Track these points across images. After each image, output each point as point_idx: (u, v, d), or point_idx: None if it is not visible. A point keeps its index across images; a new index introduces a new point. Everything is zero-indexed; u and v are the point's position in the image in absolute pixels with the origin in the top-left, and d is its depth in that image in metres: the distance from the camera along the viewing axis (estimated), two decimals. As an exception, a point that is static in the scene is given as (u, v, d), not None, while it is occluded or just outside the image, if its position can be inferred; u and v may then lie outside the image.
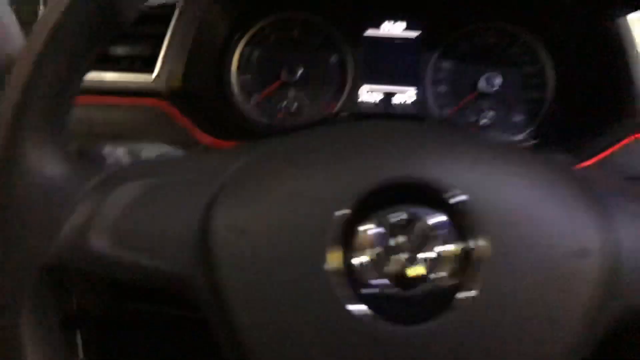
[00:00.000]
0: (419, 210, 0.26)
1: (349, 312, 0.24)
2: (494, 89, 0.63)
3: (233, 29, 0.63)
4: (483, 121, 0.63)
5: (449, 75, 0.64)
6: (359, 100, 0.64)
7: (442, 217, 0.26)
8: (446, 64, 0.64)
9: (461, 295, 0.25)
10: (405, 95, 0.64)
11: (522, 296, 0.26)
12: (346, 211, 0.25)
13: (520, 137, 0.63)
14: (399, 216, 0.26)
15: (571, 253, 0.27)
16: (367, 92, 0.64)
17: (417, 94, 0.64)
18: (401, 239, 0.26)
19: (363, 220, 0.26)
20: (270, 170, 0.28)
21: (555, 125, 0.62)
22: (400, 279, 0.25)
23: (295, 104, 0.64)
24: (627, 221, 0.29)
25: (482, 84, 0.63)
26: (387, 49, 0.64)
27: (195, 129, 0.53)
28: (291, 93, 0.64)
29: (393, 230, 0.26)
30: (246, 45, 0.64)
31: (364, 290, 0.25)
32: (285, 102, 0.64)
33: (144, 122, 0.53)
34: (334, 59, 0.65)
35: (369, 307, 0.24)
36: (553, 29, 0.61)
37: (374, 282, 0.25)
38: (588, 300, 0.27)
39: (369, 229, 0.25)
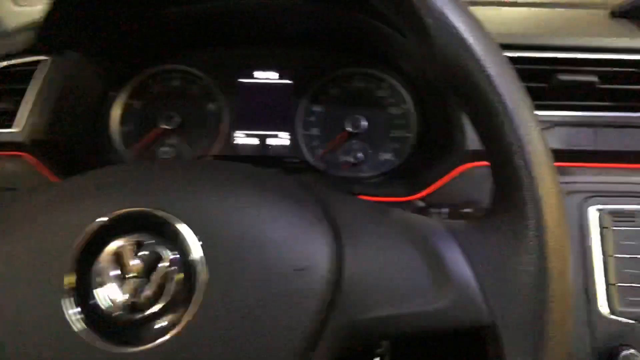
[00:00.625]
0: (148, 239, 0.29)
1: (76, 334, 0.27)
2: (362, 129, 0.66)
3: (111, 81, 0.66)
4: (353, 160, 0.66)
5: (320, 118, 0.67)
6: (235, 143, 0.67)
7: (167, 246, 0.29)
8: (317, 108, 0.68)
9: (184, 317, 0.27)
10: (279, 138, 0.67)
11: (244, 314, 0.28)
12: (81, 240, 0.28)
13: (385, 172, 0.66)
14: (127, 245, 0.29)
15: (291, 270, 0.30)
16: (242, 136, 0.67)
17: (290, 137, 0.67)
18: (132, 265, 0.29)
19: (97, 248, 0.29)
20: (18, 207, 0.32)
21: (417, 161, 0.65)
22: (127, 304, 0.28)
23: (174, 150, 0.67)
24: (351, 242, 0.32)
25: (350, 125, 0.66)
26: (261, 96, 0.68)
27: (55, 179, 0.56)
28: (171, 140, 0.68)
29: (123, 258, 0.29)
30: (129, 97, 0.68)
31: (93, 314, 0.28)
32: (165, 149, 0.67)
33: (11, 171, 0.57)
34: (211, 106, 0.68)
35: (96, 330, 0.27)
36: (411, 71, 0.65)
37: (103, 306, 0.28)
38: (312, 314, 0.29)
39: (103, 257, 0.29)
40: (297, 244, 0.31)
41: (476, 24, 0.31)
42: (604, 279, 0.49)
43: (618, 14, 0.63)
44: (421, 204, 0.55)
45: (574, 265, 0.50)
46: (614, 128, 0.53)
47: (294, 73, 0.68)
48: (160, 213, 0.30)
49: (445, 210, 0.52)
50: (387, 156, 0.67)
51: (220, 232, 0.30)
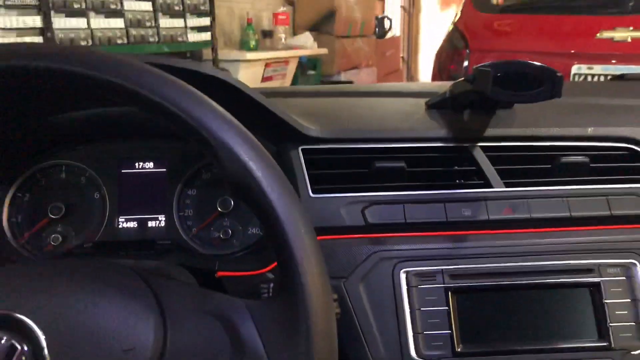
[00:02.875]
0: (6, 335, 0.38)
1: None
2: (230, 208, 0.76)
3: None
4: (222, 236, 0.76)
5: (194, 200, 0.77)
6: (118, 227, 0.76)
7: (20, 339, 0.38)
8: (190, 192, 0.78)
9: None
10: (158, 221, 0.77)
11: None
12: None
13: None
14: None
15: (120, 351, 0.40)
16: (124, 221, 0.76)
17: (167, 219, 0.76)
18: None
19: None
20: None
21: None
22: None
23: (60, 237, 0.74)
24: (176, 323, 0.42)
25: (221, 205, 0.76)
26: (140, 183, 0.77)
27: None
28: (58, 228, 0.75)
29: None
30: (17, 190, 0.75)
31: None
32: (52, 236, 0.75)
33: None
34: (96, 195, 0.77)
35: None
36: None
37: None
38: None
39: None
40: (127, 329, 0.41)
41: (260, 153, 0.43)
42: (411, 328, 0.61)
43: (431, 105, 0.78)
44: (271, 275, 0.66)
45: (390, 317, 0.62)
46: (419, 204, 0.66)
47: (168, 162, 0.78)
48: (16, 315, 0.39)
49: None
50: (254, 230, 0.77)
51: (62, 325, 0.39)
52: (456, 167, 0.70)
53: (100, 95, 0.42)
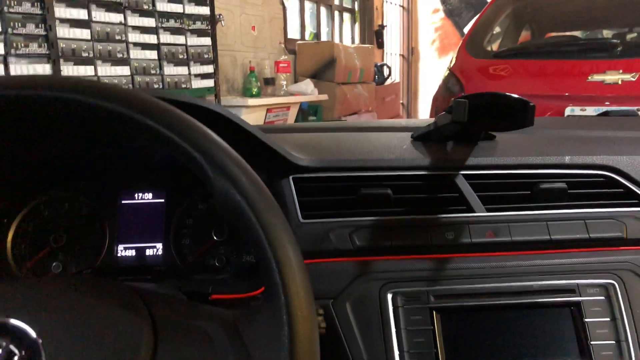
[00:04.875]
0: (5, 342, 0.41)
1: None
2: (224, 237, 0.79)
3: (3, 210, 0.77)
4: (217, 264, 0.79)
5: (190, 229, 0.80)
6: (117, 256, 0.79)
7: (16, 345, 0.41)
8: (188, 221, 0.81)
9: None
10: (155, 249, 0.80)
11: None
12: None
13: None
14: None
15: (113, 357, 0.42)
16: (122, 250, 0.79)
17: (164, 248, 0.79)
18: None
19: None
20: None
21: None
22: None
23: (61, 265, 0.77)
24: (166, 333, 0.45)
25: (215, 234, 0.79)
26: (139, 214, 0.81)
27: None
28: (60, 256, 0.78)
29: None
30: (21, 220, 0.79)
31: None
32: (54, 264, 0.78)
33: None
34: (97, 225, 0.80)
35: None
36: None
37: None
38: None
39: None
40: (120, 337, 0.43)
41: (249, 174, 0.46)
42: (397, 347, 0.63)
43: (416, 138, 0.82)
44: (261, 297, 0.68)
45: (377, 337, 0.63)
46: (405, 228, 0.69)
47: (166, 193, 0.81)
48: (13, 322, 0.41)
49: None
50: (248, 258, 0.80)
51: (59, 331, 0.42)
52: (440, 194, 0.73)
53: (105, 124, 0.46)
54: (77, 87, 0.45)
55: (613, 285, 0.67)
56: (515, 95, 0.66)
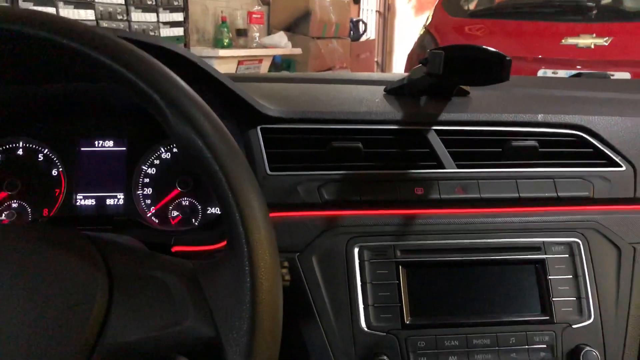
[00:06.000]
0: None
1: None
2: (189, 188, 0.77)
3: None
4: (182, 215, 0.76)
5: (153, 179, 0.78)
6: (76, 204, 0.76)
7: None
8: (150, 170, 0.78)
9: None
10: (117, 199, 0.77)
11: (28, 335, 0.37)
12: None
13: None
14: None
15: (66, 307, 0.40)
16: (82, 199, 0.76)
17: (125, 198, 0.77)
18: None
19: None
20: None
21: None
22: None
23: (14, 213, 0.74)
24: (122, 282, 0.43)
25: (180, 184, 0.77)
26: (99, 162, 0.77)
27: None
28: (14, 203, 0.75)
29: None
30: (-27, 166, 0.75)
31: None
32: (7, 212, 0.74)
33: None
34: (54, 172, 0.76)
35: None
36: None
37: None
38: (83, 340, 0.39)
39: None
40: (73, 287, 0.41)
41: (210, 119, 0.43)
42: (362, 301, 0.62)
43: (389, 91, 0.80)
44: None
45: (342, 290, 0.63)
46: (374, 182, 0.68)
47: (128, 141, 0.78)
48: None
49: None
50: (213, 210, 0.78)
51: (8, 285, 0.39)
52: (411, 149, 0.72)
53: (60, 59, 0.43)
54: (22, 17, 0.41)
55: (577, 243, 0.67)
56: (492, 49, 0.64)
